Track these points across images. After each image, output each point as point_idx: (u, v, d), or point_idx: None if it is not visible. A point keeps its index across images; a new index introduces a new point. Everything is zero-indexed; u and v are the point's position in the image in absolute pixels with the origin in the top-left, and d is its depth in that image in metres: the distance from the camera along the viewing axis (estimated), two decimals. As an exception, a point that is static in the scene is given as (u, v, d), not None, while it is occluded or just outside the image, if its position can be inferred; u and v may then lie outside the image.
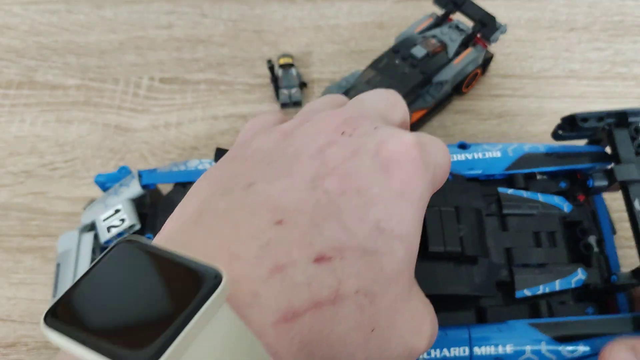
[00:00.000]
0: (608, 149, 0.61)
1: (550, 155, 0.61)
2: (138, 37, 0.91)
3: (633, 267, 0.54)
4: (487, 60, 0.83)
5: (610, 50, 0.88)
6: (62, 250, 0.59)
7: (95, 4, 0.95)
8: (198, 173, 0.62)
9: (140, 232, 0.61)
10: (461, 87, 0.80)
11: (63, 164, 0.78)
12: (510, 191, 0.59)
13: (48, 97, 0.85)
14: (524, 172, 0.60)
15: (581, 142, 0.66)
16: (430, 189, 0.35)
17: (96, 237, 0.60)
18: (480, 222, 0.54)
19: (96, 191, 0.72)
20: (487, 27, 0.78)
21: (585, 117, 0.59)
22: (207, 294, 0.23)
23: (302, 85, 0.84)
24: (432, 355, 0.50)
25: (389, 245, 0.30)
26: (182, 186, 0.62)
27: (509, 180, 0.61)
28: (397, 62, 0.76)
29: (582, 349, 0.51)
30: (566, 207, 0.59)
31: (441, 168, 0.38)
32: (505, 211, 0.57)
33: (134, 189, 0.62)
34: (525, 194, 0.59)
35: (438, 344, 0.51)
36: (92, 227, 0.61)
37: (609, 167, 0.58)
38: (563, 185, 0.62)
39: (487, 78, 0.86)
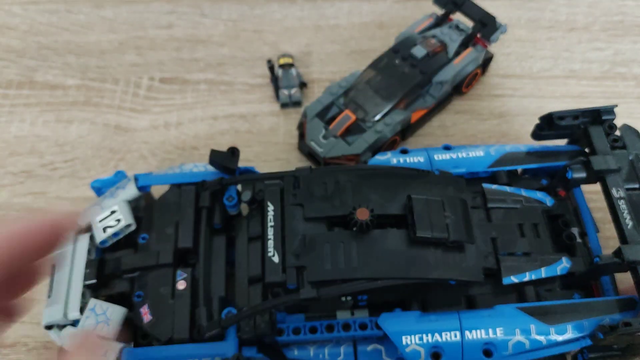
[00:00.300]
0: (587, 150, 0.62)
1: (531, 154, 0.63)
2: (138, 37, 0.91)
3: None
4: (487, 60, 0.83)
5: (610, 50, 0.88)
6: (57, 251, 0.59)
7: (95, 4, 0.95)
8: (193, 175, 0.63)
9: (136, 232, 0.61)
10: (461, 87, 0.80)
11: (63, 164, 0.78)
12: (494, 186, 0.61)
13: (48, 97, 0.85)
14: (506, 169, 0.62)
15: (562, 143, 0.67)
16: None
17: (92, 238, 0.60)
18: (466, 212, 0.56)
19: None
20: (487, 27, 0.78)
21: (561, 116, 0.62)
22: None
23: (302, 85, 0.84)
24: (425, 340, 0.51)
25: None
26: (177, 187, 0.62)
27: (492, 178, 0.63)
28: (397, 62, 0.76)
29: (571, 330, 0.51)
30: (548, 201, 0.61)
31: None
32: (490, 205, 0.59)
33: (130, 190, 0.63)
34: (508, 189, 0.61)
35: (429, 329, 0.52)
36: (88, 229, 0.61)
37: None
38: (544, 182, 0.64)
39: (487, 78, 0.86)
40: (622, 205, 0.55)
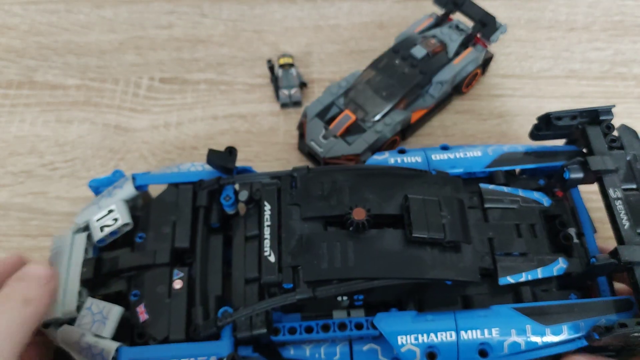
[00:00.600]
0: (585, 150, 0.62)
1: (529, 154, 0.63)
2: (138, 37, 0.91)
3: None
4: (487, 60, 0.83)
5: (610, 50, 0.88)
6: (54, 251, 0.60)
7: (95, 4, 0.95)
8: (190, 175, 0.63)
9: (133, 231, 0.61)
10: (461, 87, 0.80)
11: (63, 164, 0.78)
12: (491, 187, 0.61)
13: (48, 97, 0.85)
14: (504, 169, 0.62)
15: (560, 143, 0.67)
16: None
17: (89, 237, 0.60)
18: (462, 211, 0.56)
19: (96, 191, 0.72)
20: (487, 27, 0.78)
21: (559, 116, 0.62)
22: None
23: (302, 85, 0.84)
24: (420, 340, 0.51)
25: None
26: (175, 187, 0.62)
27: (490, 178, 0.63)
28: (397, 62, 0.76)
29: (566, 331, 0.51)
30: (545, 201, 0.61)
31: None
32: (487, 205, 0.59)
33: (128, 190, 0.62)
34: (505, 189, 0.61)
35: (425, 329, 0.51)
36: (85, 228, 0.61)
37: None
38: (542, 182, 0.64)
39: (487, 78, 0.86)
40: (619, 205, 0.55)
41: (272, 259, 0.53)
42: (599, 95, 0.83)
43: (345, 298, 0.54)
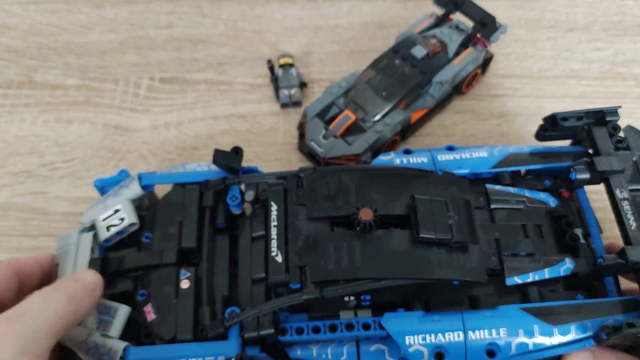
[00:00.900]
0: (591, 151, 0.62)
1: (535, 155, 0.63)
2: (138, 37, 0.91)
3: None
4: (487, 60, 0.83)
5: (610, 50, 0.88)
6: (60, 250, 0.60)
7: (95, 4, 0.95)
8: (196, 175, 0.63)
9: (139, 231, 0.61)
10: (461, 87, 0.80)
11: (63, 164, 0.78)
12: (497, 187, 0.60)
13: (48, 97, 0.85)
14: (510, 170, 0.62)
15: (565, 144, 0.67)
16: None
17: (95, 236, 0.60)
18: (469, 212, 0.56)
19: (96, 191, 0.72)
20: (487, 27, 0.78)
21: (565, 117, 0.62)
22: None
23: (302, 85, 0.84)
24: (428, 340, 0.51)
25: None
26: (181, 187, 0.62)
27: (496, 179, 0.63)
28: (397, 62, 0.76)
29: (574, 331, 0.51)
30: (552, 202, 0.61)
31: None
32: (493, 205, 0.59)
33: (134, 189, 0.62)
34: (512, 189, 0.61)
35: (433, 329, 0.51)
36: (91, 228, 0.61)
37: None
38: (548, 183, 0.64)
39: (487, 78, 0.86)
40: (626, 206, 0.55)
41: (279, 259, 0.53)
42: (599, 95, 0.83)
43: (352, 298, 0.54)
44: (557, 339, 0.51)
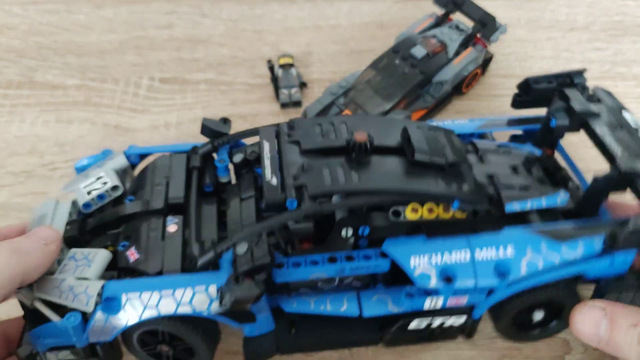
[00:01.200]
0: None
1: (513, 121, 0.66)
2: (138, 37, 0.91)
3: None
4: (487, 60, 0.83)
5: (610, 50, 0.88)
6: (36, 216, 0.56)
7: (95, 4, 0.95)
8: (184, 146, 0.61)
9: (122, 197, 0.58)
10: (461, 87, 0.80)
11: (63, 164, 0.78)
12: (484, 141, 0.62)
13: (48, 97, 0.85)
14: (493, 130, 0.65)
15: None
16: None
17: (74, 204, 0.57)
18: (460, 148, 0.55)
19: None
20: (487, 27, 0.78)
21: (537, 80, 0.65)
22: None
23: (302, 85, 0.84)
24: (434, 261, 0.50)
25: None
26: (168, 155, 0.61)
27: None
28: (397, 62, 0.76)
29: (582, 246, 0.50)
30: (537, 151, 0.62)
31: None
32: (481, 153, 0.59)
33: (119, 160, 0.60)
34: (497, 143, 0.62)
35: (437, 248, 0.50)
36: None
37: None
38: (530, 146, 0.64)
39: (487, 78, 0.86)
40: (609, 138, 0.56)
41: (274, 182, 0.50)
42: (599, 95, 0.83)
43: (350, 234, 0.51)
44: (567, 254, 0.50)
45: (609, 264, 0.51)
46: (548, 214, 0.55)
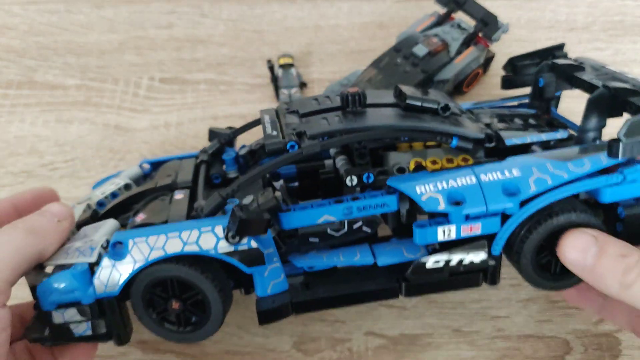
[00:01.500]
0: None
1: (501, 102, 0.68)
2: (138, 37, 0.91)
3: None
4: (489, 59, 0.83)
5: (610, 50, 0.88)
6: None
7: (95, 4, 0.95)
8: (194, 154, 0.65)
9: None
10: (462, 86, 0.80)
11: (63, 164, 0.78)
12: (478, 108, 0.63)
13: (48, 97, 0.85)
14: (481, 105, 0.65)
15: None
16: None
17: (89, 206, 0.58)
18: (456, 104, 0.57)
19: (96, 191, 0.72)
20: (488, 26, 0.78)
21: (520, 58, 0.67)
22: None
23: (302, 85, 0.84)
24: (440, 187, 0.49)
25: None
26: (179, 159, 0.64)
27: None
28: (398, 60, 0.76)
29: (589, 163, 0.49)
30: (531, 111, 0.63)
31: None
32: (476, 113, 0.61)
33: (132, 170, 0.64)
34: (491, 104, 0.65)
35: (442, 177, 0.50)
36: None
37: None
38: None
39: (488, 77, 0.85)
40: (595, 80, 0.56)
41: (274, 133, 0.52)
42: (600, 94, 0.83)
43: (355, 182, 0.51)
44: (574, 169, 0.49)
45: (621, 180, 0.49)
46: (548, 149, 0.56)
